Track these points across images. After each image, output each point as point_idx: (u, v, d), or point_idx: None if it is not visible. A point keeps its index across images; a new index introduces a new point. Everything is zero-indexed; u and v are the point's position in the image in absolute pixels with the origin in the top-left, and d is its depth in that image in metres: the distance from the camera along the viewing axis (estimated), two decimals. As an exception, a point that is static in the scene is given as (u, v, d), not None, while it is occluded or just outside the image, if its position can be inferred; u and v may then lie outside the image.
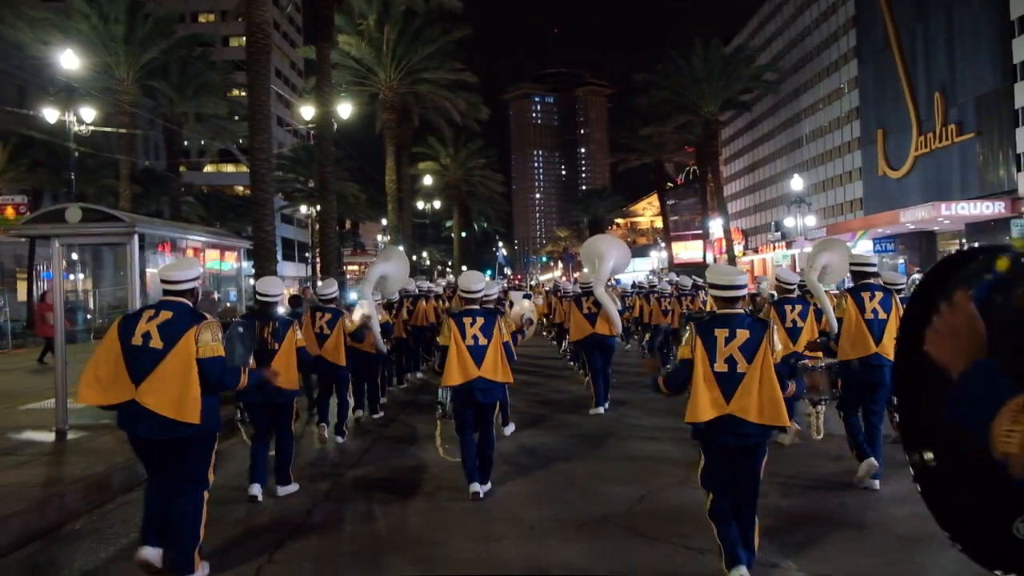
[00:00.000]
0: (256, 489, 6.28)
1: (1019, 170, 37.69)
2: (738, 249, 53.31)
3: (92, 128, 27.03)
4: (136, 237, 7.97)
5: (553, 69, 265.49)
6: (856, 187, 57.07)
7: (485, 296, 6.81)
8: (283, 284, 7.43)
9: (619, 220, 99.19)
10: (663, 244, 67.34)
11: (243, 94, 68.73)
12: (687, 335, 4.57)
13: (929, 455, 1.55)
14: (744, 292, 4.63)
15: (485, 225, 78.73)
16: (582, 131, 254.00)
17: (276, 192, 59.79)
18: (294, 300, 12.18)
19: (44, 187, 35.21)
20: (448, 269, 66.40)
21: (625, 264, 11.36)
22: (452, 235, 63.80)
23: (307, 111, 24.19)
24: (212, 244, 10.65)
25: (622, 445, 8.48)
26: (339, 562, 5.09)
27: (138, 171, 40.68)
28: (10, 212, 30.13)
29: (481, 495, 6.32)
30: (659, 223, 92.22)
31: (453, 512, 6.09)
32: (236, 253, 11.68)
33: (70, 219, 7.80)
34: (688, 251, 65.75)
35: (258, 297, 6.91)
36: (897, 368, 1.62)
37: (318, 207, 24.78)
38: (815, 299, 8.44)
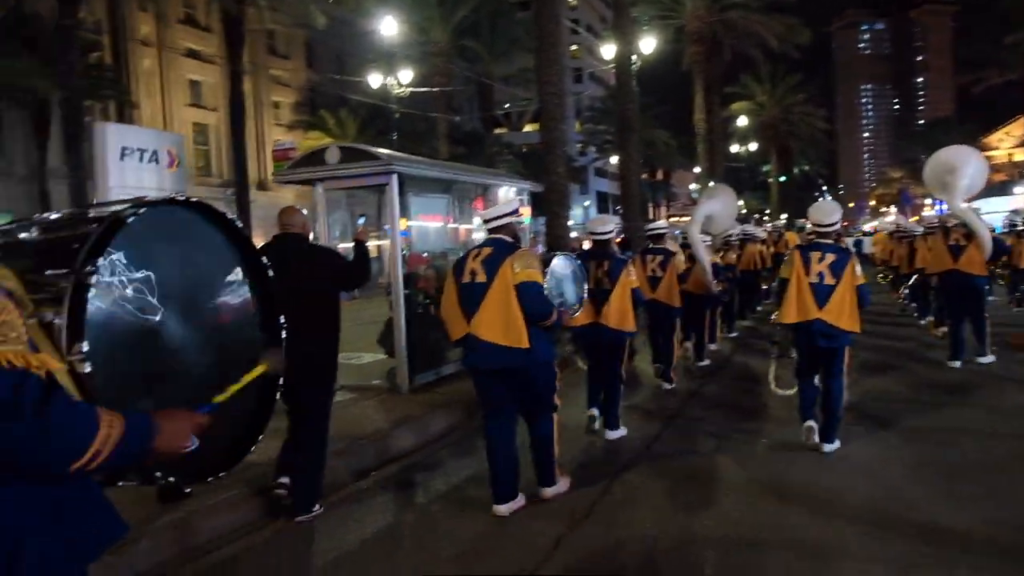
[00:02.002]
0: (595, 411, 6.59)
1: None
2: None
3: (413, 91, 28.37)
4: (395, 177, 7.20)
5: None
6: None
7: (832, 228, 6.11)
8: (615, 222, 7.27)
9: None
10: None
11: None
12: None
13: None
14: None
15: (806, 168, 72.33)
16: (919, 58, 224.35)
17: (588, 145, 60.49)
18: (625, 243, 11.79)
19: (390, 153, 38.16)
20: (766, 217, 62.04)
21: (981, 180, 9.73)
22: (769, 180, 59.23)
23: (608, 51, 22.95)
24: (488, 185, 9.70)
25: (985, 395, 7.64)
26: (679, 492, 5.18)
27: (462, 133, 42.76)
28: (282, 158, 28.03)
29: (826, 451, 5.86)
30: (1019, 155, 77.53)
31: (794, 461, 5.73)
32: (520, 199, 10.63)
33: (329, 159, 7.30)
34: (1067, 185, 54.15)
35: (590, 235, 6.92)
36: None
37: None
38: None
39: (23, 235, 2.29)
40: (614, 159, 51.88)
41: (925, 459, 5.68)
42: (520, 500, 4.88)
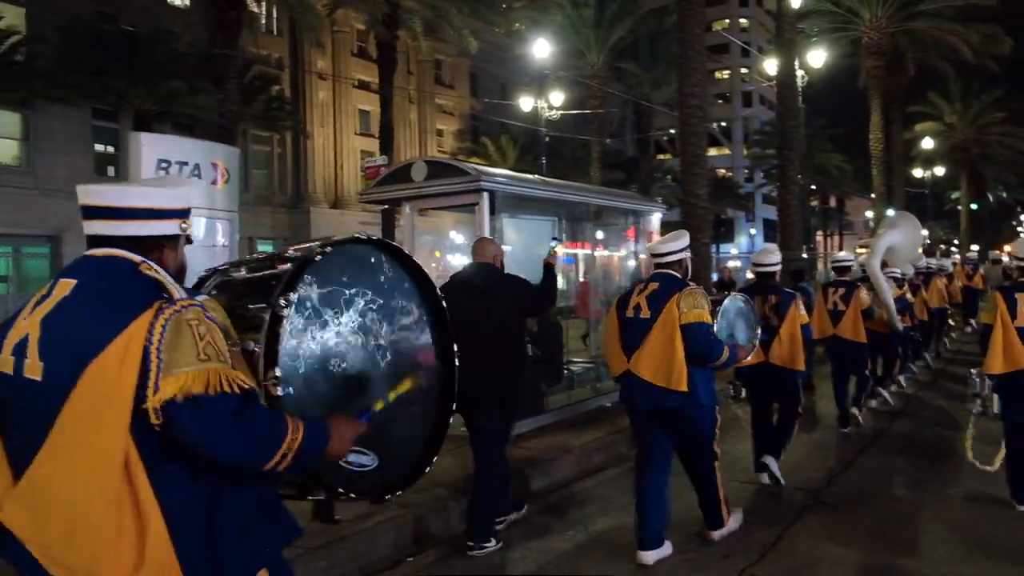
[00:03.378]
0: (772, 464, 6.07)
1: None
2: None
3: (570, 115, 27.87)
4: (485, 195, 6.34)
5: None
6: None
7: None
8: (779, 253, 6.91)
9: None
10: None
11: (724, 75, 66.87)
12: None
13: None
14: None
15: (1003, 194, 65.14)
16: None
17: (755, 170, 57.69)
18: (797, 274, 11.35)
19: (544, 178, 37.96)
20: (953, 248, 56.43)
21: None
22: (959, 208, 53.73)
23: (771, 66, 21.39)
24: (629, 211, 8.66)
25: None
26: (862, 537, 4.94)
27: (623, 158, 41.85)
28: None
29: None
30: None
31: (997, 518, 5.23)
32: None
33: (415, 176, 6.60)
34: None
35: (754, 267, 6.61)
36: None
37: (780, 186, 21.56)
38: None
39: (235, 273, 2.59)
40: (782, 184, 48.97)
41: None
42: (667, 548, 4.66)
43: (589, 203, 8.25)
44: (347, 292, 2.52)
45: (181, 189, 2.13)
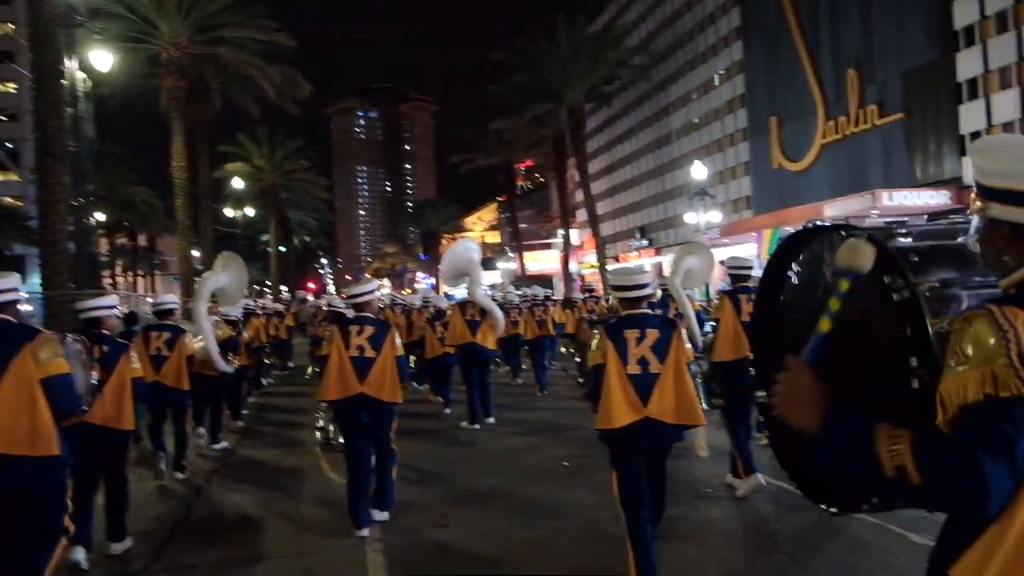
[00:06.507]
0: (80, 554, 5.28)
1: (963, 155, 31.39)
2: (592, 259, 48.37)
3: None
4: None
5: (377, 84, 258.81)
6: (743, 184, 51.87)
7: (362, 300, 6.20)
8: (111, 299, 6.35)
9: (449, 235, 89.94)
10: (511, 255, 62.61)
11: (10, 88, 57.14)
12: (597, 339, 4.53)
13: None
14: (649, 291, 4.61)
15: (307, 239, 70.44)
16: (407, 147, 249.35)
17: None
18: (130, 317, 10.67)
19: None
20: (266, 289, 58.06)
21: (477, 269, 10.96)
22: (269, 250, 55.27)
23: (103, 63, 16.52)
24: None
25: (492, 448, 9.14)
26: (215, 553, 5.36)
27: None
28: None
29: (378, 519, 6.11)
30: (490, 237, 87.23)
31: (325, 559, 5.60)
32: None
33: None
34: (537, 262, 61.38)
35: (83, 314, 5.93)
36: (755, 321, 1.91)
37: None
38: (676, 304, 9.19)
39: None
40: (100, 217, 42.66)
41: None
42: None
43: None
44: None
45: None
